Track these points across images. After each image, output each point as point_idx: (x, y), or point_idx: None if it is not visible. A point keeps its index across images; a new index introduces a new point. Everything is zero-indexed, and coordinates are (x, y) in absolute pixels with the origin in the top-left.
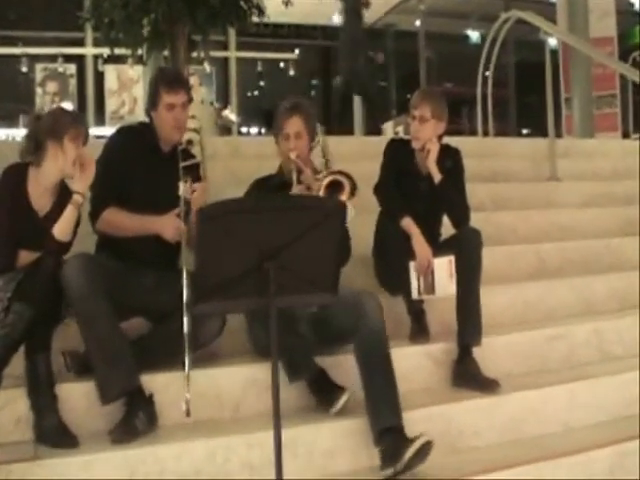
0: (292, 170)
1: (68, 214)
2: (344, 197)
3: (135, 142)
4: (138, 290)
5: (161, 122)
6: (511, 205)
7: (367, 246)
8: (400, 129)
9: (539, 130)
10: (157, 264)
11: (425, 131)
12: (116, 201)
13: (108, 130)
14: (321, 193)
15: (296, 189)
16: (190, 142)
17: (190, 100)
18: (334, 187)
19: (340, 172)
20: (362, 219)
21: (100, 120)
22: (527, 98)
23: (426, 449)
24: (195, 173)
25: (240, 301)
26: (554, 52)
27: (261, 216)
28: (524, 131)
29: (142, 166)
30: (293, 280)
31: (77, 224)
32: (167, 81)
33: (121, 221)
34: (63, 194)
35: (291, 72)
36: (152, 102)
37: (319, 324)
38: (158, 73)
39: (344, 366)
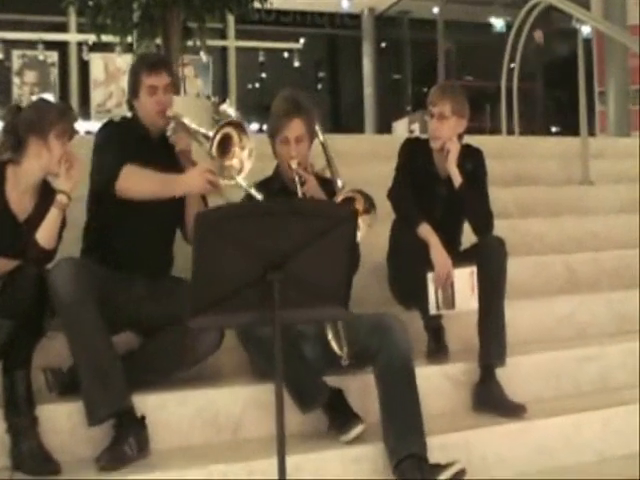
0: (295, 181)
1: (52, 217)
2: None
3: (124, 134)
4: (129, 300)
5: (144, 109)
6: (539, 211)
7: (381, 255)
8: (416, 127)
9: (570, 128)
10: (149, 272)
11: (444, 130)
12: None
13: (93, 125)
14: None
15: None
16: (174, 118)
17: (173, 84)
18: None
19: (355, 190)
20: (375, 226)
21: (85, 114)
22: (557, 93)
23: (460, 476)
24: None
25: (241, 315)
26: (587, 41)
27: (265, 222)
28: (553, 129)
29: (135, 156)
30: (300, 292)
31: (62, 228)
32: (148, 63)
33: (144, 176)
34: (46, 195)
35: (295, 63)
36: (133, 89)
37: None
38: (138, 58)
39: (350, 388)
